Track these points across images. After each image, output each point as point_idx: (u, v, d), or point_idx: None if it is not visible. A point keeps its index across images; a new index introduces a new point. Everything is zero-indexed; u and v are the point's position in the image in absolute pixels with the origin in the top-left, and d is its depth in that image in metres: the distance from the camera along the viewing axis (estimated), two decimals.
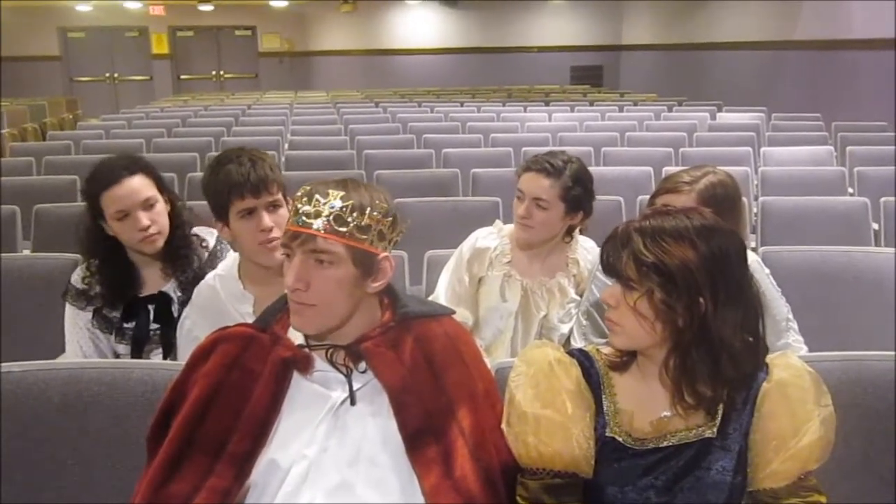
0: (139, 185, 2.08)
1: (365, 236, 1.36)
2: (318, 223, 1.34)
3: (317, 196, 1.36)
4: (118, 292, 2.12)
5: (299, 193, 1.39)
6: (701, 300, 1.30)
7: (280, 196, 1.91)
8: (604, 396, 1.40)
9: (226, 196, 1.87)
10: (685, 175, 2.03)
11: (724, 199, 1.98)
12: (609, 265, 1.37)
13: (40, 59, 15.78)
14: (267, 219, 1.87)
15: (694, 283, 1.29)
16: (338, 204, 1.35)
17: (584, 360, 1.44)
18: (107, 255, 2.12)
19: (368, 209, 1.36)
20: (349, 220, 1.35)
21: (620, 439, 1.37)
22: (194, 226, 2.22)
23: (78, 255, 2.31)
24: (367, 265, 1.38)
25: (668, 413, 1.37)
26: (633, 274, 1.32)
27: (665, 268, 1.29)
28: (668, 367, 1.35)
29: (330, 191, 1.36)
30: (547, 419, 1.36)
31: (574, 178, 2.20)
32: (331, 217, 1.34)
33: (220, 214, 1.92)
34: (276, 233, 1.86)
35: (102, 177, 2.08)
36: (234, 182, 1.85)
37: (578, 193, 2.21)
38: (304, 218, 1.35)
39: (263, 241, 1.88)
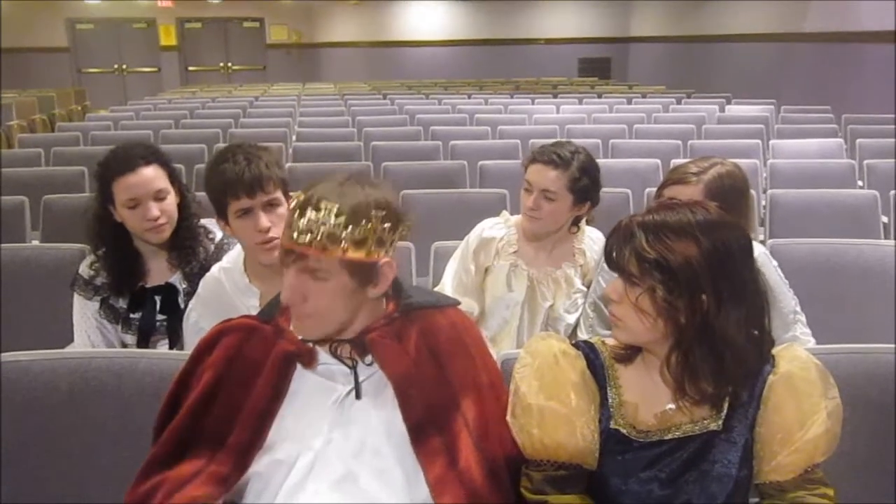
0: (153, 175, 2.08)
1: (361, 249, 1.33)
2: (309, 240, 1.31)
3: (309, 210, 1.32)
4: (123, 280, 2.13)
5: (294, 203, 1.36)
6: (703, 297, 1.28)
7: (278, 194, 1.88)
8: (608, 388, 1.40)
9: (222, 196, 1.86)
10: (692, 166, 2.02)
11: (732, 190, 1.97)
12: (612, 260, 1.35)
13: (49, 50, 15.83)
14: (263, 219, 1.85)
15: (696, 281, 1.28)
16: (331, 220, 1.31)
17: (589, 352, 1.43)
18: (113, 241, 2.12)
19: (364, 220, 1.33)
20: (343, 235, 1.31)
21: (625, 431, 1.37)
22: (202, 218, 2.22)
23: (86, 246, 2.31)
24: (365, 274, 1.36)
25: (672, 406, 1.37)
26: (636, 270, 1.31)
27: (667, 265, 1.28)
28: (670, 364, 1.33)
29: (323, 203, 1.32)
30: (551, 411, 1.36)
31: (581, 169, 2.20)
32: (323, 235, 1.31)
33: (220, 213, 1.90)
34: (274, 232, 1.83)
35: (118, 162, 2.08)
36: (228, 182, 1.83)
37: (586, 184, 2.21)
38: (296, 234, 1.32)
39: (261, 242, 1.86)
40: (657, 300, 1.30)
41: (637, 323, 1.33)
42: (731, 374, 1.32)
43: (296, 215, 1.33)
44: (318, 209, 1.32)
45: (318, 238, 1.31)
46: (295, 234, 1.32)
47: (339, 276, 1.34)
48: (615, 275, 1.38)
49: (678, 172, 2.04)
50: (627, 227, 1.33)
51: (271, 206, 1.87)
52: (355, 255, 1.33)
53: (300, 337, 1.41)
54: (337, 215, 1.31)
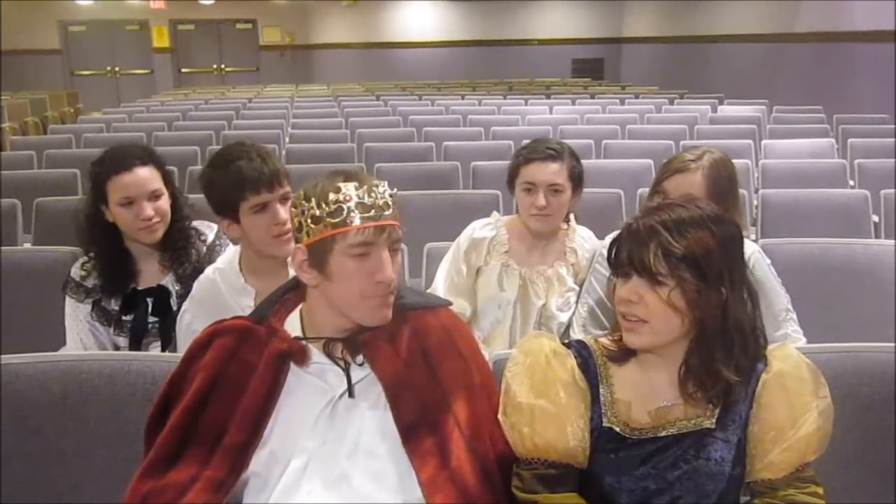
0: (149, 175, 2.09)
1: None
2: (388, 213, 1.37)
3: (372, 188, 1.36)
4: (115, 281, 2.13)
5: (350, 189, 1.34)
6: (723, 288, 1.32)
7: (289, 188, 1.92)
8: (601, 386, 1.41)
9: (238, 192, 1.86)
10: (687, 154, 2.07)
11: (729, 177, 2.04)
12: (630, 261, 1.34)
13: (41, 52, 15.79)
14: (282, 211, 1.87)
15: (717, 270, 1.32)
16: (388, 190, 1.38)
17: (581, 350, 1.44)
18: (104, 242, 2.12)
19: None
20: (397, 205, 1.39)
21: (618, 429, 1.37)
22: (193, 220, 2.22)
23: (78, 248, 2.31)
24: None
25: (667, 403, 1.37)
26: (663, 267, 1.31)
27: (693, 257, 1.31)
28: (692, 356, 1.35)
29: (374, 181, 1.38)
30: (541, 410, 1.36)
31: (573, 156, 2.26)
32: (394, 206, 1.37)
33: (229, 211, 1.90)
34: (290, 224, 1.87)
35: (114, 162, 2.08)
36: (247, 178, 1.85)
37: (580, 170, 2.27)
38: (377, 212, 1.35)
39: (278, 234, 1.88)
40: (688, 293, 1.31)
41: (666, 320, 1.33)
42: (736, 362, 1.34)
43: (358, 198, 1.34)
44: (375, 185, 1.37)
45: (392, 210, 1.37)
46: (378, 212, 1.35)
47: (400, 247, 1.42)
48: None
49: (676, 162, 2.06)
50: (648, 227, 1.34)
51: (285, 199, 1.90)
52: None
53: (382, 322, 1.40)
54: (388, 187, 1.39)
